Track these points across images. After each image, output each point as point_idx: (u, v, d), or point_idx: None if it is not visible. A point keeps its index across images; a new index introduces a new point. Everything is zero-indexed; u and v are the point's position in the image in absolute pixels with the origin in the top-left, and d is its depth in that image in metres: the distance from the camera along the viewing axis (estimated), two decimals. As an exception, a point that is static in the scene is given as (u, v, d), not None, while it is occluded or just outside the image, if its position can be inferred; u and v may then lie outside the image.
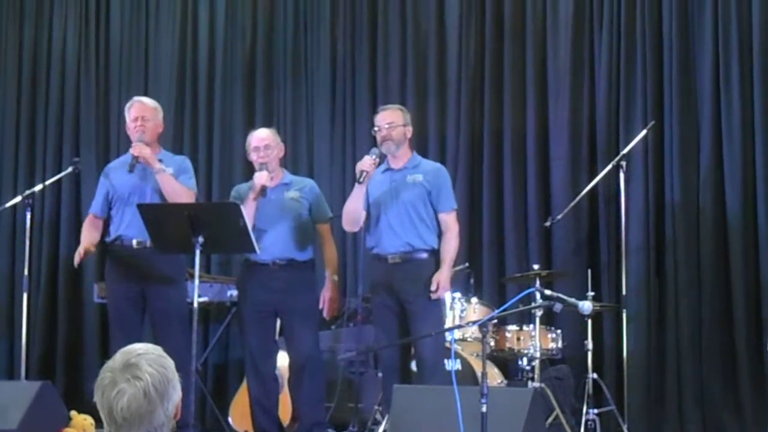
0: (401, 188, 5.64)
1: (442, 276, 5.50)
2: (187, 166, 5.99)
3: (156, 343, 2.32)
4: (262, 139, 5.88)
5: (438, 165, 5.90)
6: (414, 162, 5.74)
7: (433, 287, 5.47)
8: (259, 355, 5.81)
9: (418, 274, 5.55)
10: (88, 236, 5.96)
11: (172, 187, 5.70)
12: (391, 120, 5.67)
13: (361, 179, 5.52)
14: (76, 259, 5.89)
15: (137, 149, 5.69)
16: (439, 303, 5.66)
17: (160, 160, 5.81)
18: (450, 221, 5.65)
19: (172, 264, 5.76)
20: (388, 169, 5.72)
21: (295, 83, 7.81)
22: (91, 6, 8.35)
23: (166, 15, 8.21)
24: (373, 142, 5.73)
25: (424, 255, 5.60)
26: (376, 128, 5.71)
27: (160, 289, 5.73)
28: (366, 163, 5.52)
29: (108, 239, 5.94)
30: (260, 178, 5.75)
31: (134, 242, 5.76)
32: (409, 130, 5.74)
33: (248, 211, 5.62)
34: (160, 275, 5.69)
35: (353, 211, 5.65)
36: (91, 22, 8.34)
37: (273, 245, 5.76)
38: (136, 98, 6.08)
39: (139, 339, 2.22)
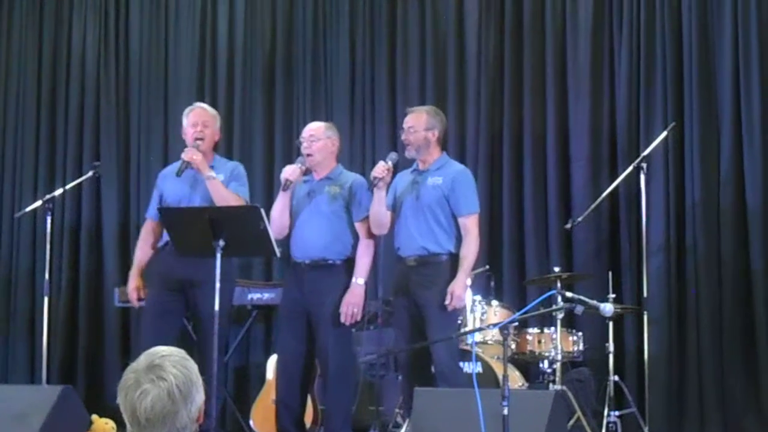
0: (421, 190, 5.58)
1: (456, 285, 5.38)
2: (239, 172, 5.86)
3: (190, 346, 2.31)
4: (309, 130, 5.76)
5: (461, 168, 5.75)
6: (439, 164, 5.65)
7: (447, 300, 5.37)
8: (289, 355, 5.69)
9: (433, 279, 5.47)
10: (141, 255, 5.88)
11: (221, 195, 5.60)
12: (411, 124, 5.62)
13: (374, 185, 5.47)
14: (133, 301, 5.85)
15: (189, 154, 5.62)
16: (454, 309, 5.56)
17: (212, 167, 5.74)
18: (469, 225, 5.52)
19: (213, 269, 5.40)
20: (415, 170, 5.69)
21: (314, 86, 7.80)
22: (110, 10, 8.37)
23: (185, 19, 8.22)
24: (392, 144, 5.69)
25: (440, 258, 5.50)
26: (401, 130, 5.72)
27: (199, 295, 5.55)
28: (379, 169, 5.46)
29: (160, 244, 5.82)
30: (285, 171, 5.62)
31: None
32: (434, 134, 5.60)
33: (279, 205, 5.63)
34: (203, 280, 5.45)
35: (374, 214, 5.57)
36: (110, 25, 8.36)
37: (305, 243, 5.63)
38: (197, 104, 6.06)
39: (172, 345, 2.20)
